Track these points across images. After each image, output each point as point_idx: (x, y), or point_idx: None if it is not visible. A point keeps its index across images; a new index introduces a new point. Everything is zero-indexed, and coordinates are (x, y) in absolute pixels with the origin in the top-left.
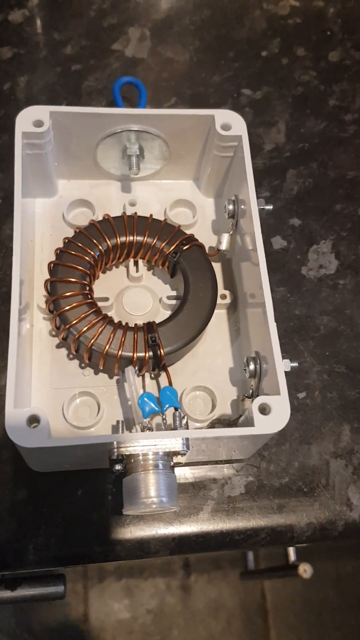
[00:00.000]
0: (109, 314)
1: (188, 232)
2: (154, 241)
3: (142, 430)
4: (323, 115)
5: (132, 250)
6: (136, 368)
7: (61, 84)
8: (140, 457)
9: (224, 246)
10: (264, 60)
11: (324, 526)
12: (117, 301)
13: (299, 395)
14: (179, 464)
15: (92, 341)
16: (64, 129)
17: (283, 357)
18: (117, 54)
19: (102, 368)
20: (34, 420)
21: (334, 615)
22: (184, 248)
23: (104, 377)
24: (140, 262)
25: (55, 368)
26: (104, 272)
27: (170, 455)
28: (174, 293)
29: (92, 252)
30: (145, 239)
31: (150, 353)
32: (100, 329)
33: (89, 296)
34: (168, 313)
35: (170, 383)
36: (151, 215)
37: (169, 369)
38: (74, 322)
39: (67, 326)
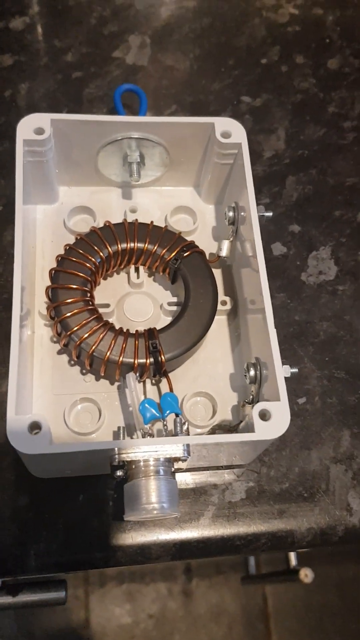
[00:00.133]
0: (110, 320)
1: (188, 238)
2: (155, 248)
3: (143, 436)
4: (322, 122)
5: (133, 257)
6: (137, 374)
7: (62, 91)
8: (142, 463)
9: (224, 253)
10: (263, 68)
11: (324, 531)
12: (118, 307)
13: (299, 401)
14: (179, 470)
15: (93, 347)
16: (64, 136)
17: (283, 363)
18: (118, 61)
19: (103, 374)
20: (35, 426)
21: (335, 620)
22: (185, 255)
23: (105, 383)
24: (141, 268)
25: (56, 374)
26: (105, 279)
27: (171, 461)
28: (174, 299)
29: (93, 259)
30: (146, 245)
31: (151, 359)
32: (101, 336)
33: (90, 303)
34: (169, 319)
35: (171, 389)
36: (152, 222)
37: (170, 375)
38: (75, 328)
39: (69, 333)
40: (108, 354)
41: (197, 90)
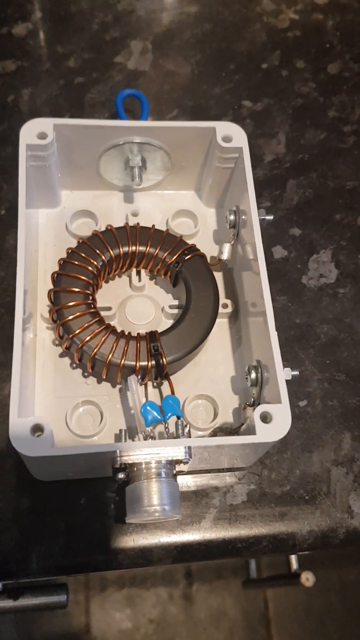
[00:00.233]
0: (112, 323)
1: (190, 242)
2: (156, 251)
3: (145, 439)
4: (322, 126)
5: (135, 260)
6: (139, 377)
7: (64, 96)
8: (143, 466)
9: (225, 256)
10: (264, 73)
11: (326, 534)
12: (120, 310)
13: (300, 404)
14: (181, 472)
15: (95, 350)
16: (67, 141)
17: (284, 366)
18: (120, 66)
19: (105, 377)
20: (37, 429)
21: (336, 623)
22: (186, 258)
23: (106, 386)
24: (142, 271)
25: (58, 377)
26: (106, 282)
27: (172, 463)
28: (176, 302)
29: (95, 262)
30: (148, 249)
31: (153, 362)
32: (103, 338)
33: (92, 306)
34: (170, 322)
35: (172, 392)
36: (153, 225)
37: (171, 377)
38: (77, 331)
39: (71, 335)
40: (110, 356)
41: (199, 94)
